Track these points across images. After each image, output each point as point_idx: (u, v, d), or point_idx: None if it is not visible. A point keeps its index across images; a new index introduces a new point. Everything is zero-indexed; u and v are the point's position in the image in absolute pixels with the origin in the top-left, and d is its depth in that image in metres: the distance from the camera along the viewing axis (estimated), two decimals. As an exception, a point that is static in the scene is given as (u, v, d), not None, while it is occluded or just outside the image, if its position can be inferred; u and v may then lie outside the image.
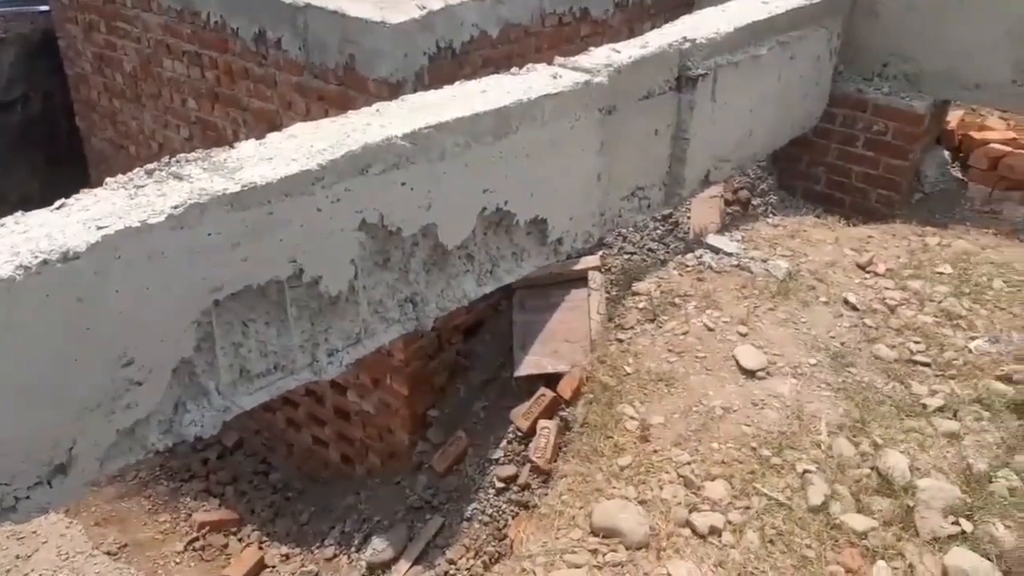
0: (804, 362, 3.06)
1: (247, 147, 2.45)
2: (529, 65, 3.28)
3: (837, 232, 4.15)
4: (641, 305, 3.48)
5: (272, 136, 2.51)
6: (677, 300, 3.46)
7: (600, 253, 5.36)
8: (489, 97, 2.91)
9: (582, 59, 3.37)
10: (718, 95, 3.90)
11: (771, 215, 4.73)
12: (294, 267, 2.38)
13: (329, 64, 4.19)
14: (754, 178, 5.53)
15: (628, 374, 3.08)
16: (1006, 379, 2.97)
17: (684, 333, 3.24)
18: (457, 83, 3.04)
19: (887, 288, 3.56)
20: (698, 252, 3.83)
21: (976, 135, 5.26)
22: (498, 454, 4.67)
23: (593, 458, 2.76)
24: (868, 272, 3.69)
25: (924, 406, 2.85)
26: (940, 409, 2.83)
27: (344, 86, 4.18)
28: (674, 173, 3.91)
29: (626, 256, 5.43)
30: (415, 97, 2.89)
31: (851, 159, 5.19)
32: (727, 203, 5.47)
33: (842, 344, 3.19)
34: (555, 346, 4.91)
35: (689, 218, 5.37)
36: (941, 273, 3.72)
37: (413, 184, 2.63)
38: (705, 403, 2.86)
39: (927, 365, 3.07)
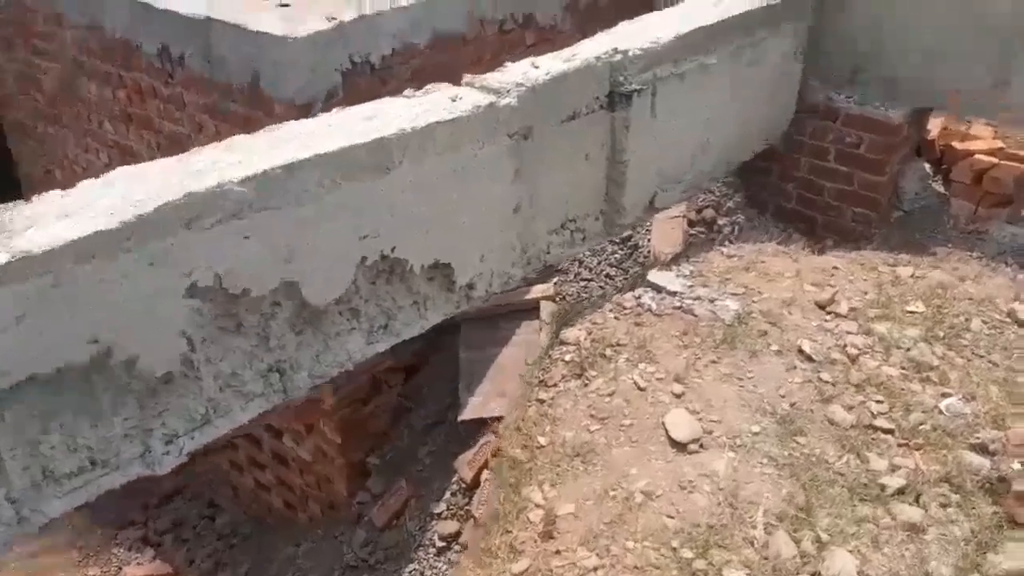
0: (746, 430, 2.60)
1: (49, 199, 2.00)
2: (430, 86, 2.83)
3: (799, 263, 3.67)
4: (568, 357, 3.03)
5: (84, 185, 2.07)
6: (608, 351, 3.00)
7: (554, 280, 4.92)
8: (373, 125, 2.46)
9: (493, 77, 2.91)
10: (660, 111, 3.44)
11: (728, 242, 4.26)
12: (97, 348, 1.93)
13: (234, 83, 3.74)
14: (720, 195, 5.05)
15: (542, 447, 2.63)
16: (980, 449, 2.51)
17: (611, 394, 2.78)
18: (337, 109, 2.58)
19: (849, 332, 3.09)
20: (638, 291, 3.37)
21: (959, 145, 4.77)
22: (441, 507, 4.23)
23: (486, 561, 2.31)
24: (829, 312, 3.23)
25: (882, 487, 2.39)
26: (901, 491, 2.37)
27: (252, 107, 3.73)
28: (612, 200, 3.45)
29: (582, 283, 4.98)
30: (285, 128, 2.44)
31: (823, 174, 4.71)
32: (690, 223, 5.00)
33: (792, 405, 2.72)
34: (503, 386, 4.46)
35: (649, 240, 4.91)
36: (912, 312, 3.25)
37: (262, 236, 2.19)
38: (625, 486, 2.41)
39: (889, 432, 2.60)
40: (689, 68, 3.50)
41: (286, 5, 3.86)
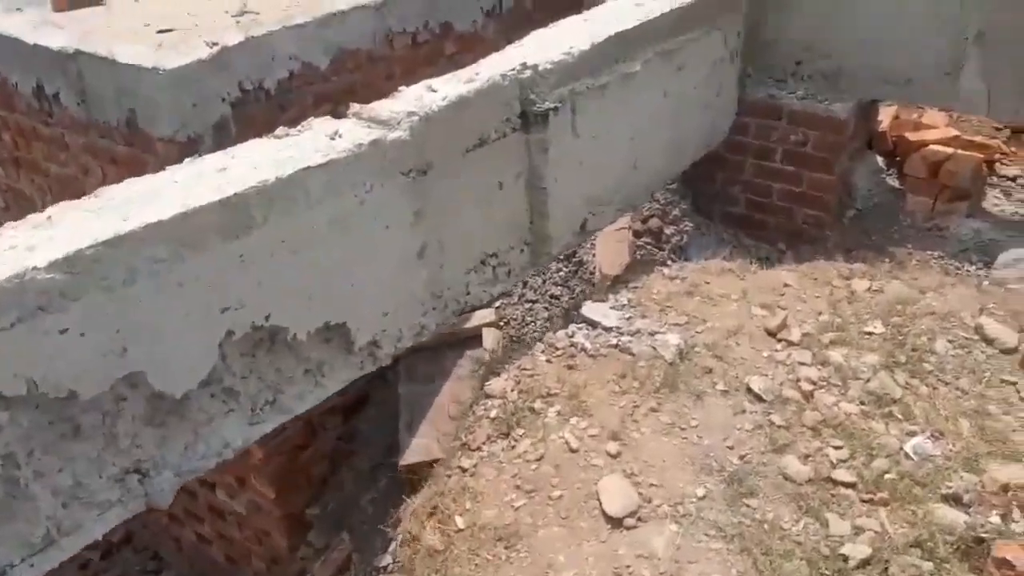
0: (689, 494, 2.26)
1: None
2: (305, 123, 2.44)
3: (746, 280, 3.34)
4: (494, 413, 2.67)
5: None
6: (538, 403, 2.64)
7: (497, 304, 4.55)
8: (229, 178, 2.07)
9: (382, 106, 2.53)
10: (581, 128, 3.08)
11: (673, 257, 3.92)
12: None
13: (112, 121, 3.32)
14: (665, 203, 4.71)
15: (460, 530, 2.27)
16: (953, 500, 2.19)
17: (539, 459, 2.43)
18: (188, 161, 2.19)
19: (802, 363, 2.76)
20: (571, 329, 3.01)
21: (912, 136, 4.46)
22: (386, 560, 3.84)
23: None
24: (780, 340, 2.90)
25: (845, 559, 2.06)
26: (865, 563, 2.04)
27: (133, 146, 3.32)
28: (537, 230, 3.09)
29: (527, 304, 4.61)
30: (118, 190, 2.04)
31: (770, 175, 4.39)
32: (636, 234, 4.66)
33: (741, 458, 2.38)
34: (447, 424, 4.09)
35: (595, 256, 4.55)
36: (870, 334, 2.92)
37: (85, 327, 1.79)
38: (551, 575, 2.06)
39: (851, 486, 2.28)
40: (611, 79, 3.15)
41: (167, 31, 3.45)
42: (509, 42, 4.08)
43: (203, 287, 1.99)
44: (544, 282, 4.55)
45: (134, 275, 1.84)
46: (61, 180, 3.85)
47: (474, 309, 2.97)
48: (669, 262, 3.90)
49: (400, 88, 2.69)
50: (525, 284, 4.55)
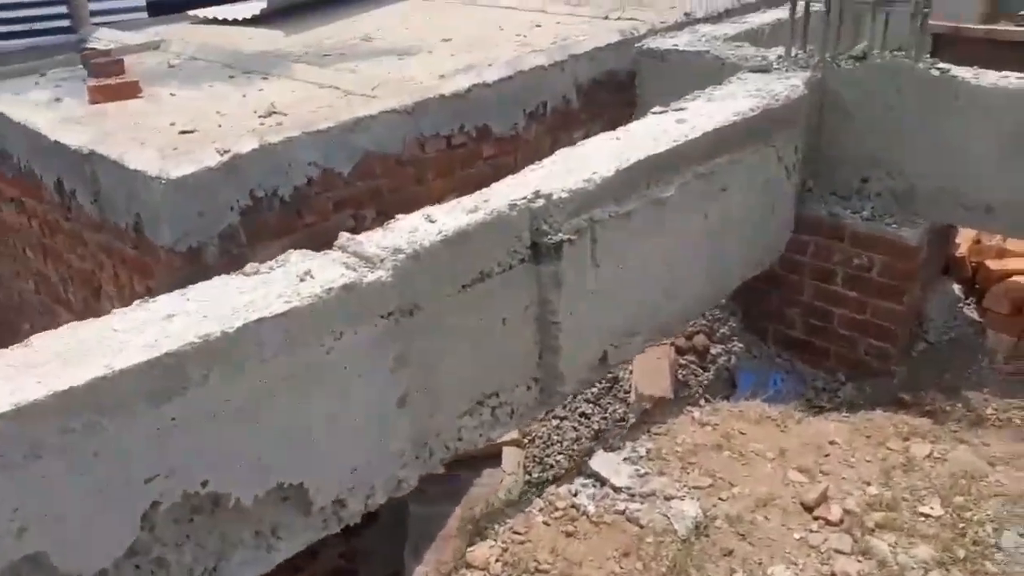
0: None
1: None
2: (283, 256, 2.24)
3: (788, 433, 2.95)
4: (473, 587, 2.35)
5: None
6: (524, 580, 2.32)
7: (521, 419, 4.24)
8: (171, 329, 1.87)
9: (372, 239, 2.32)
10: (602, 257, 2.80)
11: (702, 402, 3.55)
12: None
13: (121, 224, 3.23)
14: (712, 320, 4.35)
15: None
16: None
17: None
18: (138, 303, 2.00)
19: (839, 551, 2.35)
20: (576, 485, 2.68)
21: (993, 264, 4.00)
22: None
23: None
24: (817, 518, 2.49)
25: None
26: None
27: (140, 251, 3.21)
28: (548, 365, 2.80)
29: (555, 421, 4.29)
30: (53, 339, 1.86)
31: (831, 299, 3.99)
32: (679, 351, 4.31)
33: None
34: (451, 555, 3.77)
35: (631, 373, 4.21)
36: (926, 516, 2.49)
37: (-27, 508, 1.58)
38: None
39: None
40: (638, 205, 2.86)
41: (189, 132, 3.37)
42: (554, 142, 3.88)
43: (124, 457, 1.77)
44: (575, 398, 4.22)
45: (38, 449, 1.64)
46: (80, 273, 3.80)
47: (459, 453, 2.68)
48: (702, 402, 3.52)
49: (396, 217, 2.48)
50: (575, 396, 4.24)
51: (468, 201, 2.54)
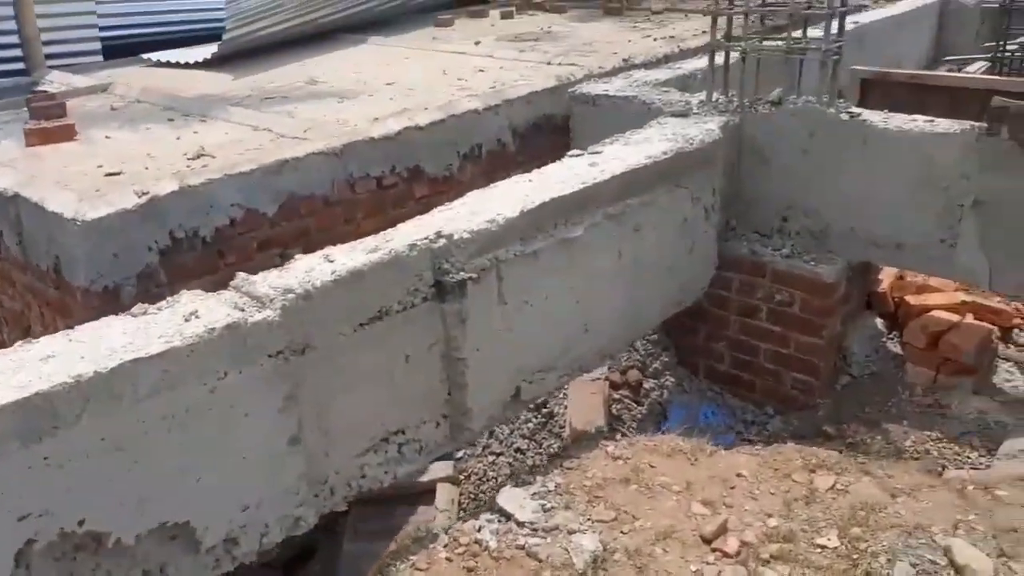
0: None
1: None
2: (174, 296, 2.27)
3: (697, 466, 2.97)
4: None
5: None
6: (417, 618, 2.31)
7: (459, 454, 4.24)
8: (45, 370, 1.88)
9: (267, 279, 2.35)
10: (510, 295, 2.84)
11: (619, 436, 3.57)
12: None
13: (43, 265, 3.24)
14: (645, 355, 4.39)
15: None
16: None
17: None
18: (19, 344, 2.02)
19: (731, 585, 2.37)
20: (481, 520, 2.68)
21: (913, 300, 4.07)
22: None
23: None
24: (715, 550, 2.51)
25: None
26: None
27: (60, 291, 3.22)
28: (456, 402, 2.82)
29: (490, 457, 4.29)
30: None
31: (756, 334, 4.04)
32: (614, 386, 4.34)
33: None
34: (380, 591, 3.74)
35: (567, 408, 4.24)
36: (822, 548, 2.51)
37: None
38: None
39: None
40: (545, 245, 2.92)
41: (114, 174, 3.40)
42: (489, 183, 3.92)
43: (-11, 495, 1.77)
44: (511, 433, 4.23)
45: None
46: (11, 313, 3.79)
47: (362, 491, 2.68)
48: (619, 436, 3.55)
49: (296, 256, 2.52)
50: (491, 435, 4.25)
51: (370, 241, 2.58)
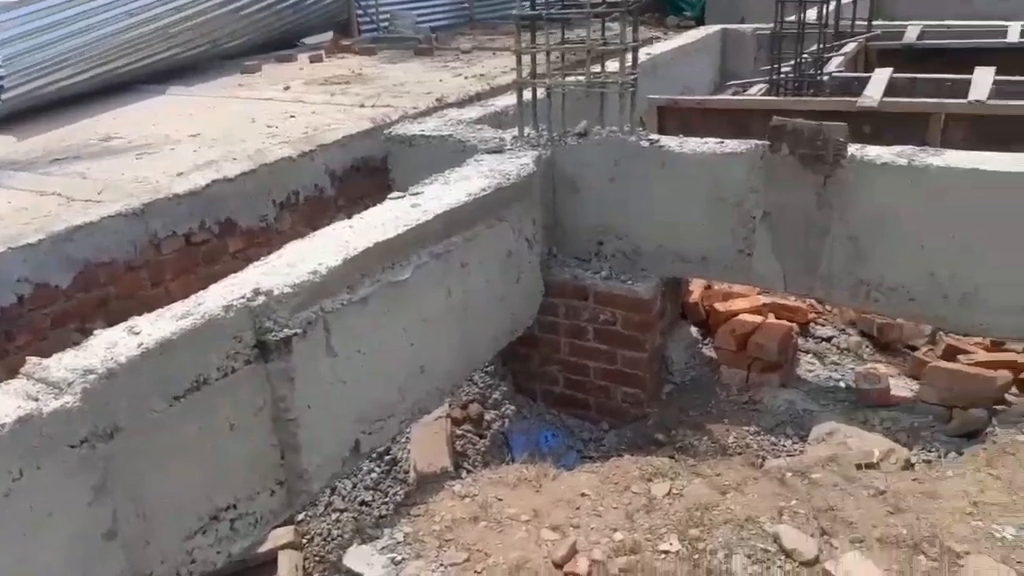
0: None
1: None
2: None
3: (542, 493, 2.98)
4: None
5: None
6: None
7: (300, 517, 4.00)
8: None
9: (59, 362, 2.10)
10: (339, 346, 2.72)
11: (471, 469, 3.55)
12: None
13: None
14: (484, 387, 4.38)
15: None
16: None
17: None
18: None
19: (584, 610, 2.37)
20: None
21: (721, 307, 4.35)
22: None
23: None
24: (567, 574, 2.52)
25: None
26: None
27: None
28: (291, 466, 2.65)
29: (334, 515, 4.08)
30: None
31: (585, 354, 4.15)
32: (456, 422, 4.28)
33: None
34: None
35: (410, 452, 4.12)
36: (665, 554, 2.59)
37: None
38: None
39: None
40: (373, 290, 2.83)
41: None
42: (314, 230, 3.75)
43: None
44: (354, 486, 4.06)
45: None
46: None
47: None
48: (464, 474, 3.50)
49: (96, 332, 2.27)
50: (333, 491, 4.05)
51: (179, 307, 2.38)
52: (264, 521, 2.61)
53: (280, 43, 8.32)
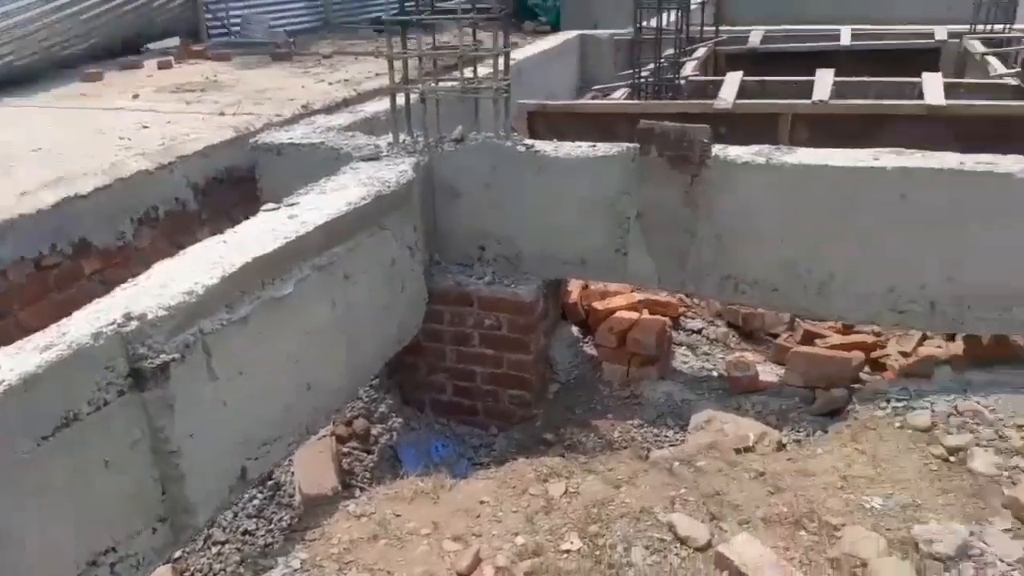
0: None
1: None
2: None
3: (440, 504, 2.94)
4: None
5: None
6: None
7: (178, 554, 3.75)
8: None
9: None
10: (220, 368, 2.57)
11: (362, 486, 3.46)
12: None
13: None
14: (369, 401, 4.29)
15: None
16: None
17: None
18: None
19: (495, 619, 2.37)
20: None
21: (599, 305, 4.47)
22: None
23: None
24: (475, 585, 2.51)
25: None
26: None
27: None
28: (174, 499, 2.48)
29: (215, 548, 3.86)
30: None
31: (471, 360, 4.15)
32: (341, 440, 4.16)
33: None
34: None
35: (293, 474, 3.96)
36: (567, 553, 2.63)
37: None
38: None
39: None
40: (254, 307, 2.70)
41: None
42: (177, 247, 3.51)
43: None
44: (235, 516, 3.85)
45: None
46: None
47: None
48: (357, 492, 3.41)
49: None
50: (212, 523, 3.83)
51: (41, 338, 2.17)
52: (147, 561, 2.42)
53: (123, 49, 7.79)
